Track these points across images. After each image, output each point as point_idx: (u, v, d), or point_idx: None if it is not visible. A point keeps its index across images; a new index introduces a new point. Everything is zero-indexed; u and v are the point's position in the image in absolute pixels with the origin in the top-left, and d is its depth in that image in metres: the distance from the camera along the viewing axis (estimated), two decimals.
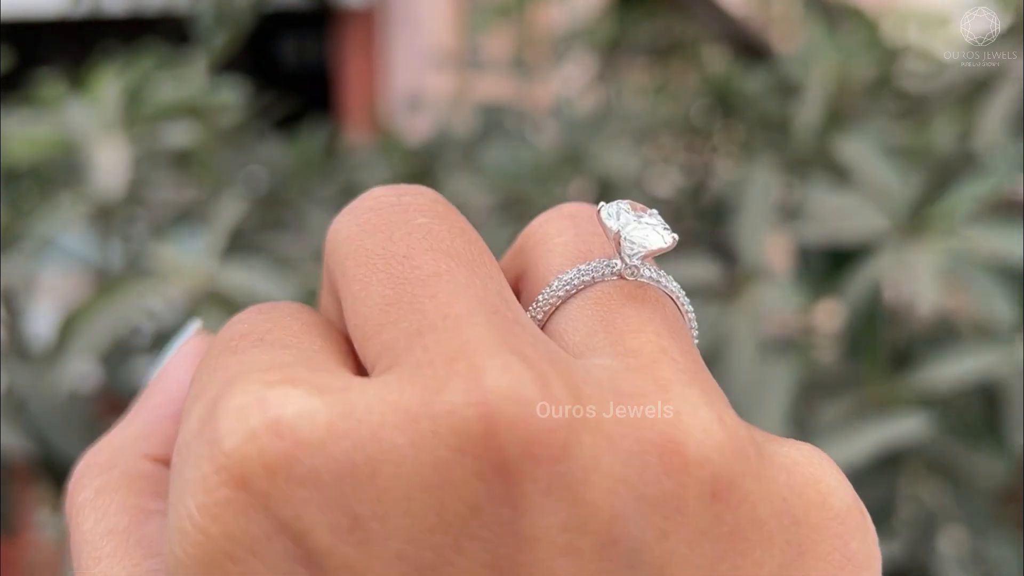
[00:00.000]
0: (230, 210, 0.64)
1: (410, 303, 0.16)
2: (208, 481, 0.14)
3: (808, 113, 0.75)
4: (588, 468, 0.14)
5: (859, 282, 0.63)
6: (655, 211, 0.18)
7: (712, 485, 0.14)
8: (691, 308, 0.18)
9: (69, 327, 0.60)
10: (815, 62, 0.77)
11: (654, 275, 0.18)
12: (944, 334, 0.69)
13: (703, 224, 0.82)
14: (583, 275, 0.17)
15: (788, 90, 0.82)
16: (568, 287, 0.17)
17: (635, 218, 0.18)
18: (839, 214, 0.64)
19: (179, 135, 0.71)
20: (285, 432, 0.14)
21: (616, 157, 0.75)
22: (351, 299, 0.17)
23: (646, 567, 0.14)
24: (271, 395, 0.14)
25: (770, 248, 0.69)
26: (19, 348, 0.68)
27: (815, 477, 0.16)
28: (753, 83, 0.84)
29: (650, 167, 0.92)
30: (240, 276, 0.58)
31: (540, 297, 0.18)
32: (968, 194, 0.63)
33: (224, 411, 0.14)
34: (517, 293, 0.19)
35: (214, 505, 0.13)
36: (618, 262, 0.18)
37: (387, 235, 0.17)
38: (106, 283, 0.62)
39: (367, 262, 0.17)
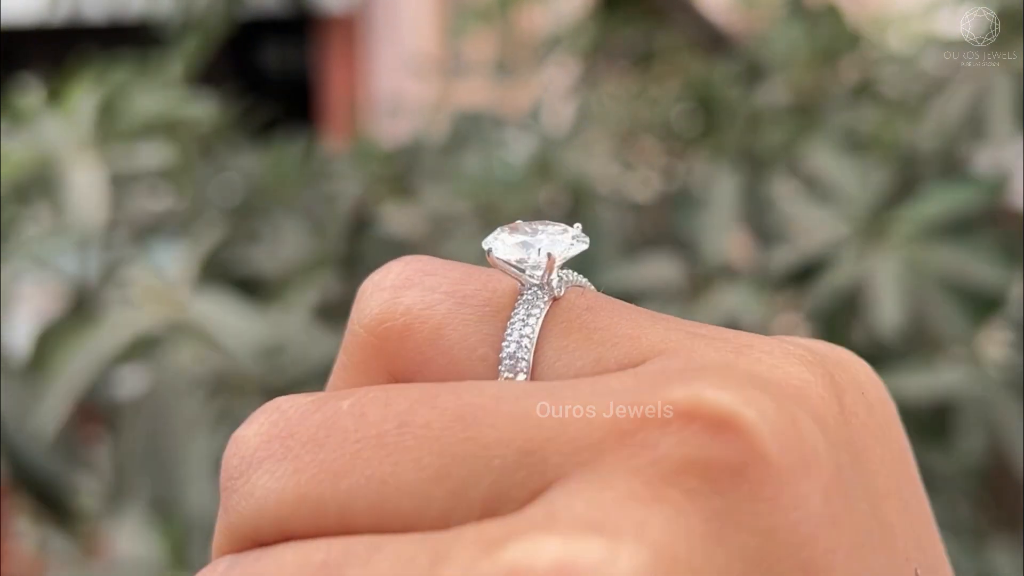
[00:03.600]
0: (204, 237, 0.64)
1: None
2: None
3: (773, 95, 0.74)
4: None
5: (820, 290, 0.63)
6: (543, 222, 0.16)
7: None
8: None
9: (44, 346, 0.60)
10: (781, 42, 0.76)
11: (568, 278, 0.16)
12: (912, 344, 0.69)
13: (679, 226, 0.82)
14: (526, 327, 0.15)
15: (755, 75, 0.81)
16: (526, 344, 0.15)
17: (528, 234, 0.16)
18: (802, 224, 0.63)
19: (154, 155, 0.70)
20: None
21: (592, 163, 0.75)
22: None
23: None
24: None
25: (732, 243, 0.69)
26: None
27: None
28: (723, 74, 0.84)
29: (629, 172, 0.92)
30: (210, 309, 0.58)
31: (505, 363, 0.15)
32: (936, 203, 0.61)
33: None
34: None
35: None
36: (538, 291, 0.15)
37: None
38: (81, 310, 0.62)
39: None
